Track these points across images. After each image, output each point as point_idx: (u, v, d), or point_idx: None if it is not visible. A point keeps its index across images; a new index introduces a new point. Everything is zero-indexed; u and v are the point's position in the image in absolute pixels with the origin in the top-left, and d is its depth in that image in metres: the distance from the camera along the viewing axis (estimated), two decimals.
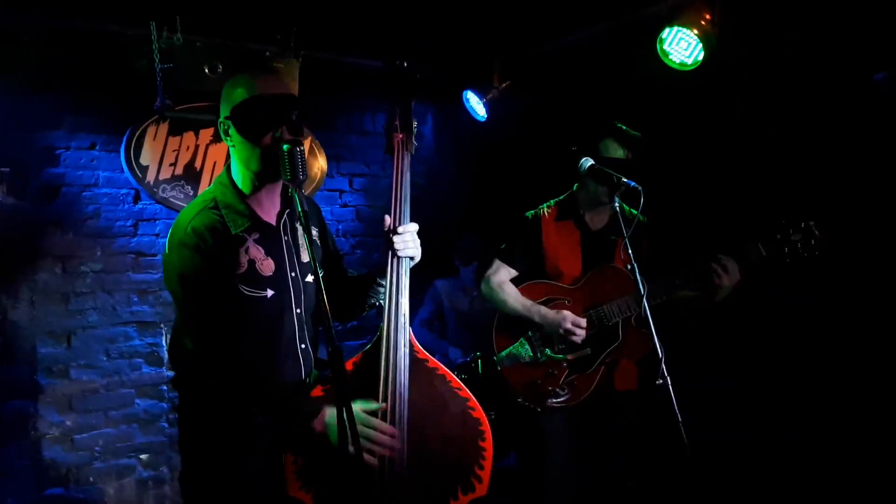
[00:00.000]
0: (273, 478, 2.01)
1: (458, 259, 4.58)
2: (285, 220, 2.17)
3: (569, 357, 2.91)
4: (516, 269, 3.11)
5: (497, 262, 3.12)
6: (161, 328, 4.22)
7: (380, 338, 2.07)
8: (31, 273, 3.88)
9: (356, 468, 1.87)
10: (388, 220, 2.13)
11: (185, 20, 3.85)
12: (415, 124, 2.17)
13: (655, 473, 3.06)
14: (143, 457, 4.15)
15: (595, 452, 3.01)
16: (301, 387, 2.13)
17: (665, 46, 3.39)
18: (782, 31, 3.23)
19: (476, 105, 4.55)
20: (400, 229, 2.09)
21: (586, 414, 2.96)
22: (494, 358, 3.04)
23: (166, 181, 4.20)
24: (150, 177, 4.14)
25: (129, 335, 4.15)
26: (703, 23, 3.27)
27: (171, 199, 4.19)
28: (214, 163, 4.32)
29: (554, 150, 3.29)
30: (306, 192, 4.09)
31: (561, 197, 3.17)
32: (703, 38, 3.27)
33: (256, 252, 2.08)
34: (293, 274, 2.14)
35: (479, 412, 2.11)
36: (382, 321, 2.07)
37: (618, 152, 2.89)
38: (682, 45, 3.35)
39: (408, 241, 2.10)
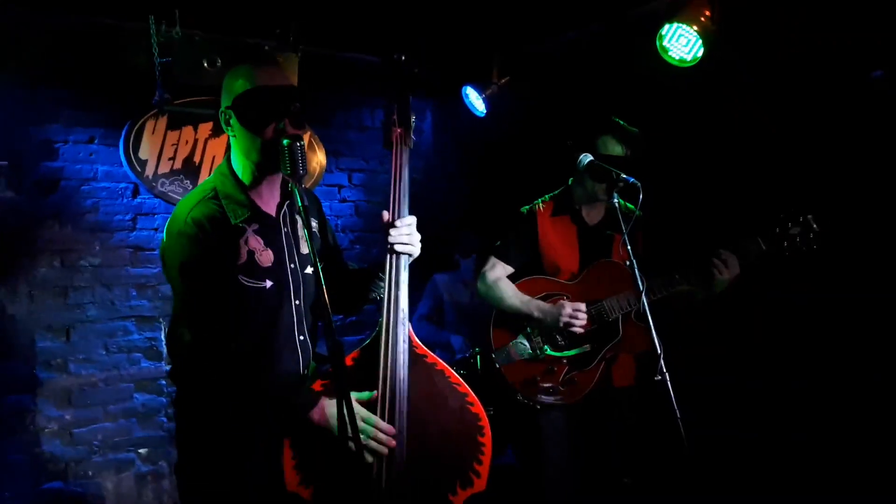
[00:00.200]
0: (271, 471, 2.01)
1: (458, 252, 4.58)
2: (285, 212, 2.17)
3: (569, 353, 2.90)
4: (512, 266, 3.08)
5: (493, 259, 3.09)
6: (160, 322, 4.22)
7: (379, 333, 2.07)
8: (29, 267, 3.88)
9: (355, 463, 1.87)
10: (386, 214, 2.13)
11: (183, 14, 3.85)
12: (413, 119, 2.16)
13: (652, 469, 3.06)
14: (141, 451, 4.15)
15: (592, 449, 3.00)
16: (299, 378, 2.13)
17: (665, 43, 3.39)
18: (781, 29, 3.23)
19: (475, 100, 4.55)
20: (399, 223, 2.09)
21: (584, 410, 2.95)
22: (492, 355, 3.01)
23: (165, 175, 4.19)
24: (149, 171, 4.14)
25: (127, 329, 4.15)
26: (702, 19, 3.27)
27: (169, 194, 4.19)
28: (213, 157, 4.31)
29: (553, 146, 3.28)
30: (305, 186, 4.10)
31: (556, 192, 3.15)
32: (703, 34, 3.26)
33: (255, 243, 2.08)
34: (292, 265, 2.14)
35: (477, 407, 2.11)
36: (381, 316, 2.07)
37: (616, 149, 2.88)
38: (681, 42, 3.35)
39: (407, 236, 2.10)
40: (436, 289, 4.57)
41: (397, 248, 2.08)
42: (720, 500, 3.00)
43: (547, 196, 3.15)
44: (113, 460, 4.07)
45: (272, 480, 2.00)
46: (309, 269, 2.19)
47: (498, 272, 3.06)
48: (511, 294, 3.00)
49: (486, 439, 2.09)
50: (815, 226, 2.68)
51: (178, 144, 4.24)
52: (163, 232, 2.10)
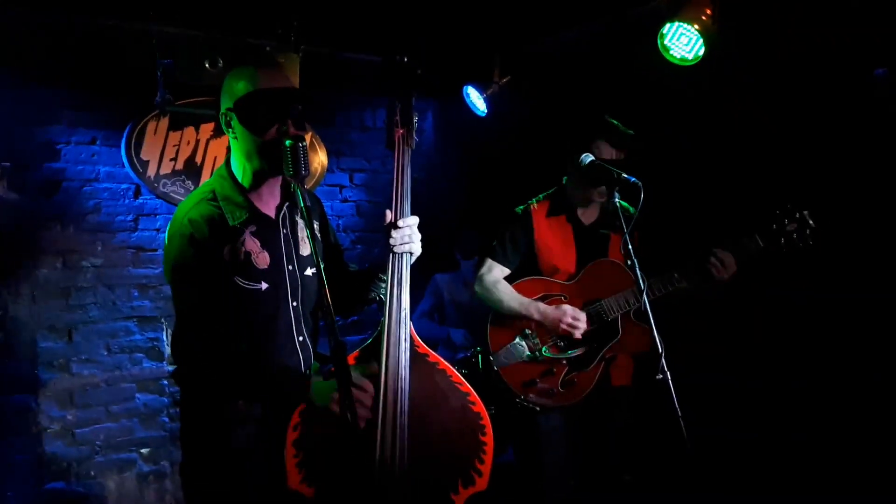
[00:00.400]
0: (273, 471, 2.01)
1: (459, 252, 4.57)
2: (285, 213, 2.17)
3: (569, 355, 2.89)
4: (509, 267, 3.04)
5: (489, 261, 3.06)
6: (162, 323, 4.23)
7: (380, 332, 2.07)
8: (31, 268, 3.89)
9: (355, 459, 1.87)
10: (389, 214, 2.13)
11: (185, 15, 3.85)
12: (415, 119, 2.16)
13: (651, 468, 3.06)
14: (143, 451, 4.16)
15: (591, 448, 2.98)
16: (302, 376, 2.13)
17: (666, 41, 3.39)
18: (781, 27, 3.23)
19: (476, 100, 4.55)
20: (401, 223, 2.09)
21: (582, 410, 2.93)
22: (490, 357, 2.97)
23: (167, 176, 4.20)
24: (151, 172, 4.14)
25: (129, 330, 4.16)
26: (703, 18, 3.27)
27: (171, 194, 4.20)
28: (215, 157, 4.32)
29: (553, 145, 3.28)
30: (307, 187, 4.10)
31: (550, 191, 3.12)
32: (704, 33, 3.26)
33: (253, 244, 2.08)
34: (290, 267, 2.15)
35: (479, 406, 2.11)
36: (383, 316, 2.07)
37: (609, 153, 2.85)
38: (682, 41, 3.35)
39: (409, 236, 2.10)
40: (437, 288, 4.57)
41: (399, 248, 2.09)
42: (719, 500, 3.00)
43: (541, 195, 3.12)
44: (115, 460, 4.08)
45: (274, 480, 2.01)
46: (309, 271, 2.19)
47: (495, 274, 3.03)
48: (509, 296, 2.97)
49: (488, 438, 2.09)
50: (811, 222, 2.68)
51: (179, 145, 4.24)
52: (164, 232, 2.12)
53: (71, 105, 3.98)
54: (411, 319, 2.12)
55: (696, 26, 3.26)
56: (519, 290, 2.99)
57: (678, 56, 3.39)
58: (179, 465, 2.19)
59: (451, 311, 4.52)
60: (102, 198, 4.09)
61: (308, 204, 1.91)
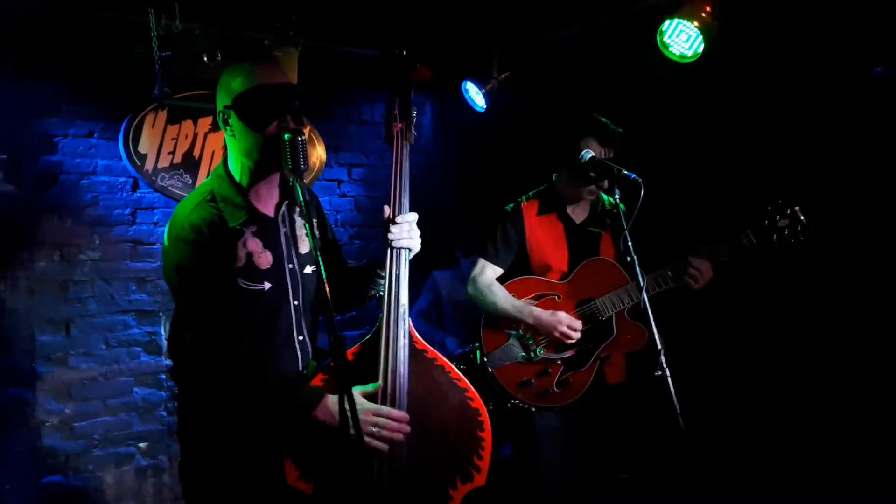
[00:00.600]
0: (272, 468, 2.02)
1: (459, 250, 4.57)
2: (283, 212, 2.17)
3: (564, 355, 2.87)
4: (501, 266, 3.02)
5: (481, 262, 3.03)
6: (160, 317, 4.22)
7: (379, 328, 2.07)
8: (28, 261, 3.88)
9: (356, 457, 1.88)
10: (387, 210, 2.12)
11: (183, 8, 3.83)
12: (414, 114, 2.16)
13: (647, 465, 3.06)
14: (141, 445, 4.16)
15: (586, 446, 2.97)
16: (300, 376, 2.13)
17: (665, 38, 3.38)
18: (781, 25, 3.22)
19: (475, 96, 4.54)
20: (399, 219, 2.09)
21: (577, 408, 2.91)
22: (485, 358, 2.95)
23: (165, 169, 4.19)
24: (149, 165, 4.13)
25: (127, 324, 4.15)
26: (703, 15, 3.27)
27: (169, 188, 4.19)
28: (213, 151, 4.31)
29: (548, 143, 3.25)
30: (305, 182, 4.10)
31: (539, 189, 3.10)
32: (704, 30, 3.26)
33: (254, 245, 2.08)
34: (290, 266, 2.14)
35: (477, 402, 2.12)
36: (382, 312, 2.07)
37: (598, 150, 2.83)
38: (682, 38, 3.34)
39: (407, 232, 2.10)
40: (435, 286, 4.56)
41: (398, 243, 2.08)
42: (718, 500, 3.00)
43: (531, 193, 3.10)
44: (113, 454, 4.08)
45: (273, 476, 2.01)
46: (308, 269, 2.19)
47: (487, 275, 3.00)
48: (503, 299, 2.94)
49: (486, 434, 2.10)
50: (802, 217, 2.69)
51: (177, 138, 4.23)
52: (162, 226, 2.11)
53: (68, 98, 3.96)
54: (409, 317, 2.12)
55: (696, 23, 3.26)
56: (512, 289, 2.96)
57: (677, 53, 3.38)
58: (178, 463, 2.20)
59: (448, 308, 4.52)
60: (100, 191, 4.08)
61: (307, 199, 1.90)
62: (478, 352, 3.01)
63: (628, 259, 2.42)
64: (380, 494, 1.97)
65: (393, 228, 2.08)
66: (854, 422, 3.10)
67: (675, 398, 2.22)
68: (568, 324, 2.82)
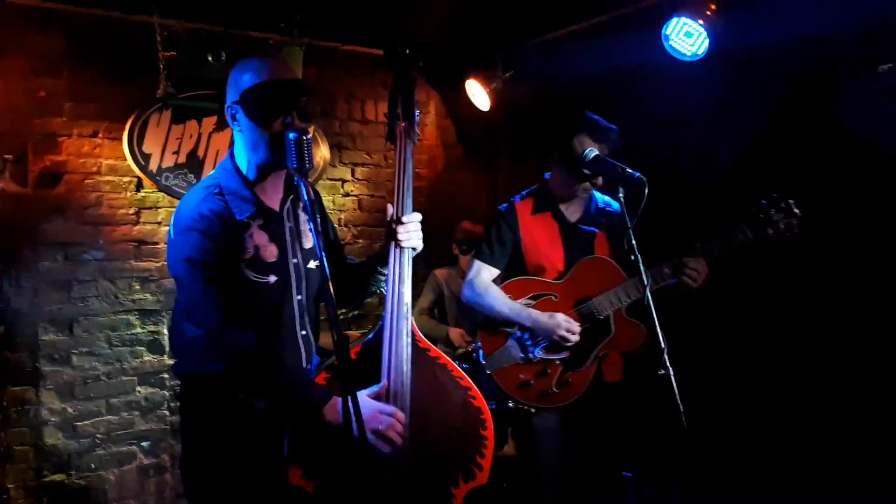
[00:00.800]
0: (274, 465, 2.01)
1: (461, 248, 4.56)
2: (288, 207, 2.17)
3: (562, 355, 2.85)
4: (497, 267, 2.98)
5: (477, 264, 2.99)
6: (163, 316, 4.23)
7: (382, 327, 2.07)
8: (33, 260, 3.89)
9: (360, 456, 1.87)
10: (390, 209, 2.12)
11: (188, 8, 3.84)
12: (417, 113, 2.16)
13: (646, 464, 3.04)
14: (144, 444, 4.16)
15: (585, 445, 2.94)
16: (306, 374, 2.13)
17: (670, 35, 3.37)
18: (780, 23, 3.21)
19: (479, 94, 4.54)
20: (404, 219, 2.09)
21: (576, 408, 2.89)
22: (483, 361, 2.91)
23: (169, 169, 4.19)
24: (153, 165, 4.14)
25: (130, 323, 4.16)
26: (708, 13, 3.26)
27: (173, 188, 4.19)
28: (217, 151, 4.31)
29: (544, 140, 3.22)
30: (309, 180, 4.11)
31: (532, 188, 3.07)
32: (708, 28, 3.25)
33: (260, 238, 2.08)
34: (295, 260, 2.14)
35: (480, 401, 2.12)
36: (385, 310, 2.07)
37: (592, 147, 2.80)
38: (686, 35, 3.33)
39: (411, 231, 2.09)
40: (436, 284, 4.56)
41: (405, 244, 2.08)
42: (715, 498, 3.00)
43: (524, 192, 3.07)
44: (115, 453, 4.08)
45: (275, 474, 2.01)
46: (312, 264, 2.19)
47: (484, 277, 2.96)
48: (500, 301, 2.90)
49: (489, 433, 2.10)
50: (796, 211, 2.67)
51: (182, 138, 4.24)
52: (167, 226, 2.10)
53: (73, 97, 3.97)
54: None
55: (700, 21, 3.25)
56: (508, 291, 2.93)
57: (682, 51, 3.37)
58: (179, 459, 2.19)
59: (450, 305, 4.52)
60: (104, 191, 4.09)
61: (312, 198, 1.90)
62: (480, 350, 3.00)
63: (632, 258, 2.40)
64: (382, 493, 1.97)
65: (399, 228, 2.08)
66: (850, 420, 3.09)
67: (678, 398, 2.22)
68: (567, 326, 2.80)
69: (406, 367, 2.04)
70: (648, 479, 3.05)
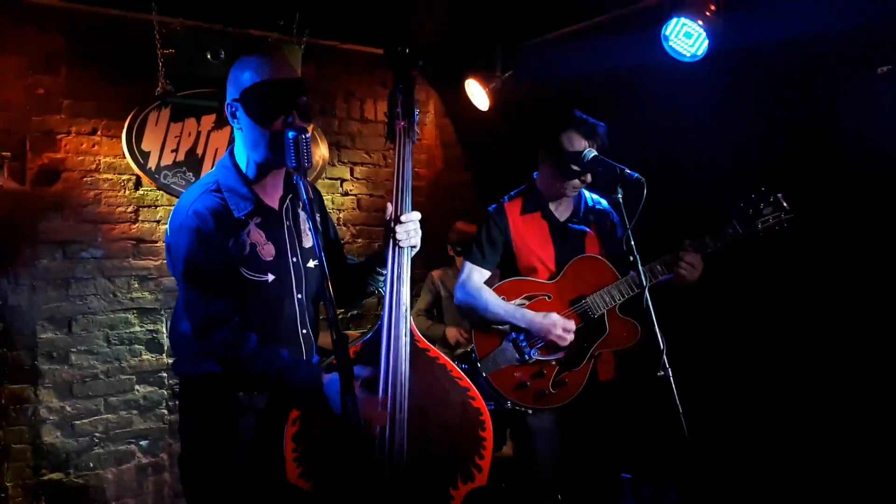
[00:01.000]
0: (272, 465, 2.01)
1: (453, 249, 4.55)
2: (288, 205, 2.17)
3: (558, 355, 2.84)
4: (489, 269, 2.97)
5: (468, 266, 2.97)
6: (161, 315, 4.22)
7: (380, 327, 2.06)
8: (31, 258, 3.88)
9: (358, 454, 1.87)
10: (389, 208, 2.11)
11: (187, 5, 3.84)
12: (417, 111, 2.15)
13: (643, 462, 3.04)
14: (142, 443, 4.16)
15: (581, 445, 2.94)
16: (297, 360, 2.12)
17: (669, 35, 3.37)
18: (781, 23, 3.21)
19: (478, 94, 4.53)
20: (403, 218, 2.08)
21: (571, 407, 2.88)
22: (478, 363, 2.89)
23: (168, 167, 4.19)
24: (152, 163, 4.13)
25: (129, 321, 4.15)
26: (707, 14, 3.25)
27: (172, 186, 4.19)
28: (216, 149, 4.31)
29: (532, 139, 3.21)
30: (308, 179, 4.10)
31: (521, 188, 3.06)
32: (708, 28, 3.25)
33: (258, 236, 2.07)
34: (294, 259, 2.14)
35: (479, 402, 2.11)
36: (383, 310, 2.07)
37: (580, 144, 2.81)
38: (686, 36, 3.33)
39: (410, 231, 2.09)
40: (433, 284, 4.55)
41: (405, 243, 2.08)
42: (713, 497, 3.00)
43: (512, 193, 3.06)
44: (114, 451, 4.08)
45: (273, 474, 2.00)
46: (311, 263, 2.19)
47: (475, 279, 2.94)
48: (493, 303, 2.87)
49: (488, 434, 2.09)
50: (785, 204, 2.68)
51: (180, 136, 4.23)
52: (165, 224, 2.10)
53: (72, 95, 3.96)
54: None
55: (700, 21, 3.25)
56: (501, 292, 2.91)
57: (682, 51, 3.37)
58: (178, 458, 2.19)
59: (448, 306, 4.51)
60: (103, 189, 4.08)
61: (311, 197, 1.90)
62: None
63: (631, 259, 2.40)
64: (381, 493, 1.97)
65: (398, 228, 2.07)
66: (847, 416, 3.10)
67: (677, 399, 2.21)
68: (562, 326, 2.79)
69: (404, 366, 2.04)
70: (646, 478, 3.05)
